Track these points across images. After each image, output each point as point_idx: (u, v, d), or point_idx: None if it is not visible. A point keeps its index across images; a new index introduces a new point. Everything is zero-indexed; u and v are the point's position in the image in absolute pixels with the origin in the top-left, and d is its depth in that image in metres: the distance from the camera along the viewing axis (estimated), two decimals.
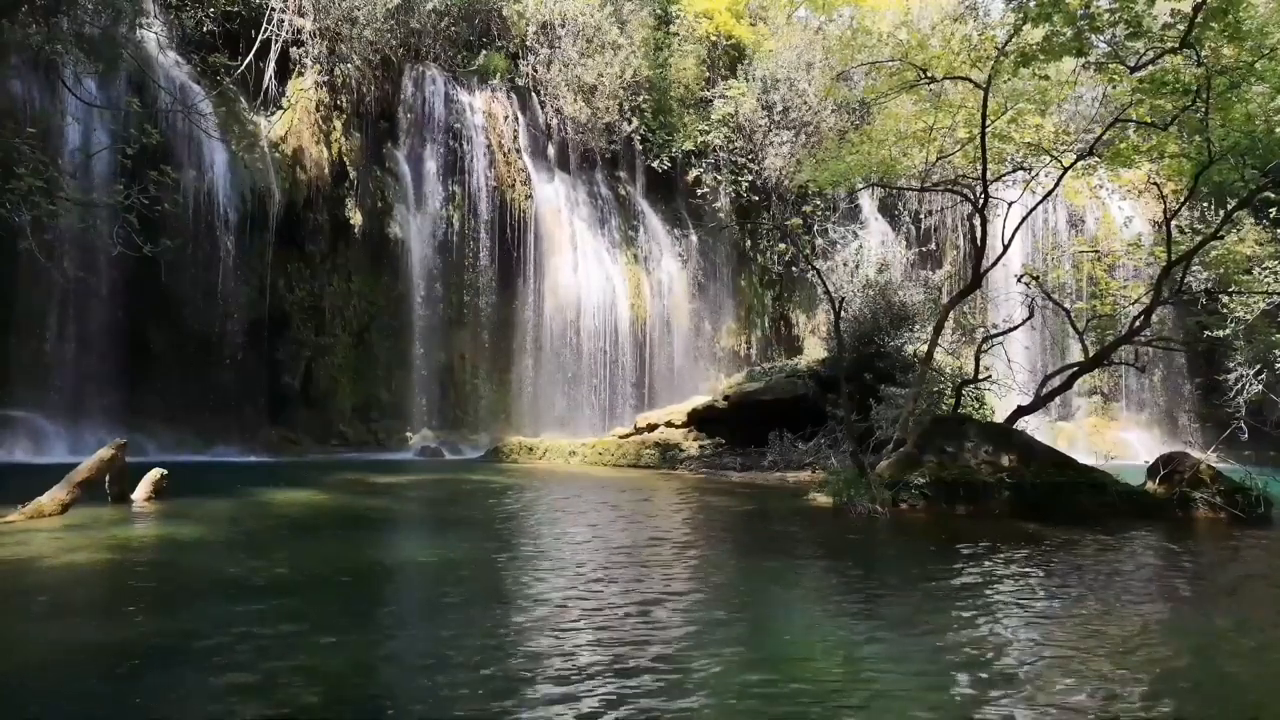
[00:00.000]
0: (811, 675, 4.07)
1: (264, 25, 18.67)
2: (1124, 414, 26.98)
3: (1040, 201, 14.01)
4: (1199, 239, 13.01)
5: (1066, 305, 15.15)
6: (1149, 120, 11.49)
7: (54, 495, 7.94)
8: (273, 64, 18.99)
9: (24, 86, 15.06)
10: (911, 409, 12.33)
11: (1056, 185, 13.47)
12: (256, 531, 7.88)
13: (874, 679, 4.02)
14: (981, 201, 12.61)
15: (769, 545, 8.14)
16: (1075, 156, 12.66)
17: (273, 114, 19.11)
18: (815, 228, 25.65)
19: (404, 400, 20.32)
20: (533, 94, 23.21)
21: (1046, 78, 12.13)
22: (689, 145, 24.76)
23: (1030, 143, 13.54)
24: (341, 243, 19.62)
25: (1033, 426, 14.77)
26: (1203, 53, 10.28)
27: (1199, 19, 9.89)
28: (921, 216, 27.83)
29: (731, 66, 26.33)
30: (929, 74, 12.32)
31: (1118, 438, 24.52)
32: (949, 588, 6.12)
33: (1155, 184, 14.73)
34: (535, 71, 23.09)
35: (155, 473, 9.28)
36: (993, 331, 15.06)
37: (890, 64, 13.15)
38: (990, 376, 14.16)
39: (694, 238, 25.53)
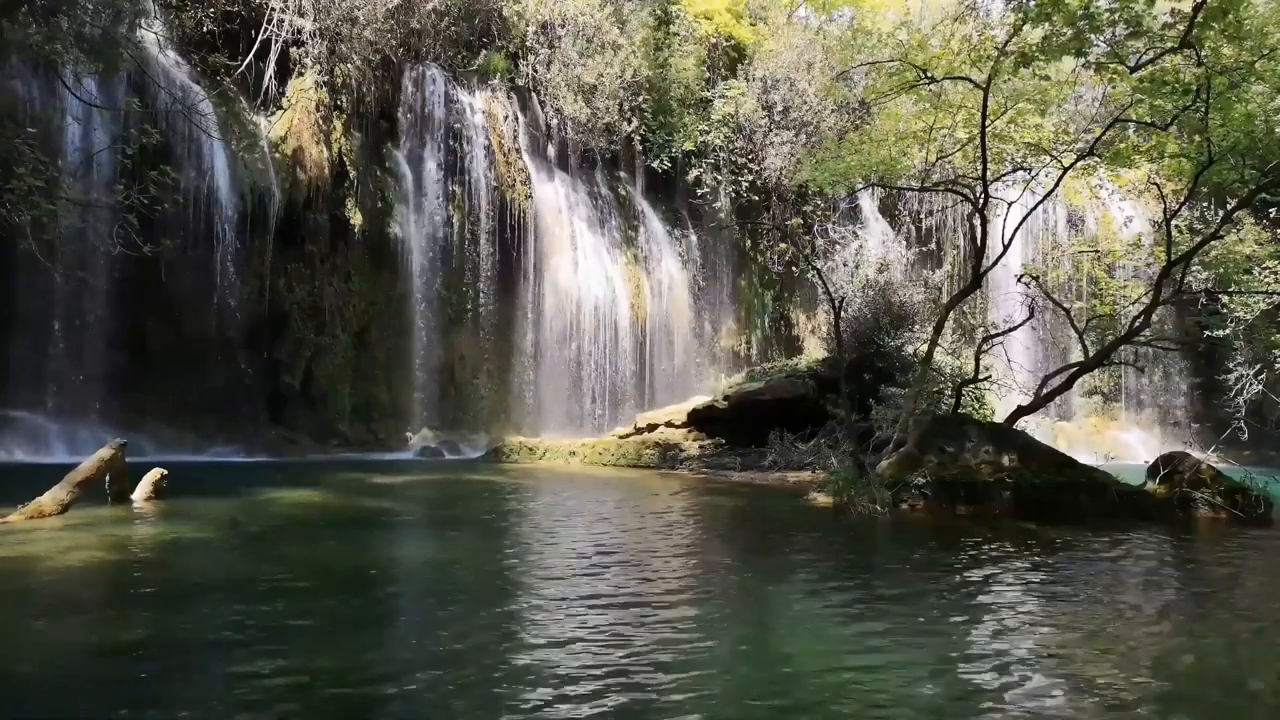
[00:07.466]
0: (809, 676, 4.07)
1: (264, 25, 18.67)
2: (1124, 414, 27.02)
3: (1040, 201, 14.03)
4: (1199, 239, 13.01)
5: (1066, 305, 15.16)
6: (1149, 120, 11.49)
7: (54, 495, 7.93)
8: (273, 64, 18.99)
9: (24, 86, 15.05)
10: (911, 409, 12.32)
11: (1056, 185, 13.48)
12: (256, 532, 7.87)
13: (873, 682, 4.02)
14: (981, 201, 12.62)
15: (768, 545, 8.14)
16: (1075, 156, 12.66)
17: (273, 114, 19.11)
18: (815, 228, 25.67)
19: (404, 400, 20.31)
20: (533, 94, 23.20)
21: (1046, 78, 12.13)
22: (689, 145, 24.75)
23: (1030, 143, 13.54)
24: (341, 243, 19.61)
25: (1033, 426, 14.78)
26: (1203, 53, 10.28)
27: (1199, 19, 9.89)
28: (921, 216, 27.87)
29: (731, 66, 26.33)
30: (929, 74, 12.32)
31: (1118, 438, 24.57)
32: (949, 589, 6.11)
33: (1155, 184, 14.75)
34: (535, 71, 23.08)
35: (155, 473, 9.28)
36: (993, 331, 15.06)
37: (890, 64, 13.14)
38: (990, 376, 14.16)
39: (694, 238, 25.53)
